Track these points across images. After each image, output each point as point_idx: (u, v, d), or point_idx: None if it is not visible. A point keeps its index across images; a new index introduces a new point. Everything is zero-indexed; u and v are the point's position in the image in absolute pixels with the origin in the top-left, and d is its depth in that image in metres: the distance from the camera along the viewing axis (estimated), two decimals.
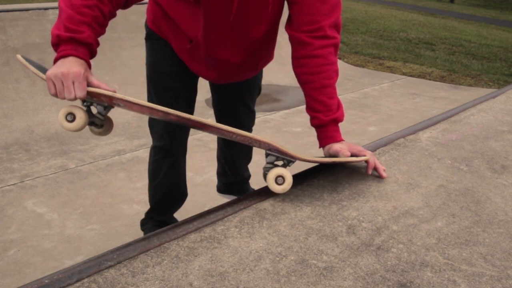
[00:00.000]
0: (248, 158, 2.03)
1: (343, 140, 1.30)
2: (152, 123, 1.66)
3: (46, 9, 3.82)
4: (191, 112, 1.64)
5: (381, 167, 1.31)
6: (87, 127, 1.20)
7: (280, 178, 1.16)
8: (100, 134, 1.27)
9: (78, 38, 1.11)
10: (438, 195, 1.24)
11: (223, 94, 1.72)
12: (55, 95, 1.10)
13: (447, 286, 0.90)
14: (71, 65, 1.09)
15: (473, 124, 1.80)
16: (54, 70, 1.09)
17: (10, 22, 3.60)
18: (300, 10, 1.27)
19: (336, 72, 1.30)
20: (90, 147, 3.14)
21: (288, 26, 1.30)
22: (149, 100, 1.58)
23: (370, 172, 1.30)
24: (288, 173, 1.17)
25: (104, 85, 1.13)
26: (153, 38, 1.52)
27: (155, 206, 1.85)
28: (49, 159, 2.94)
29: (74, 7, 1.10)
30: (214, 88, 1.72)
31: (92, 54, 1.17)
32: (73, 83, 1.08)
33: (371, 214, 1.13)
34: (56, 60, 1.12)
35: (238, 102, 1.74)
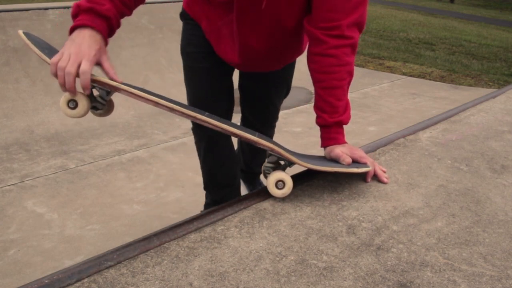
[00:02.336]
0: (263, 157, 2.04)
1: (345, 143, 1.29)
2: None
3: (46, 9, 3.81)
4: (224, 92, 1.64)
5: (382, 174, 1.29)
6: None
7: (281, 182, 1.16)
8: (101, 115, 1.26)
9: (98, 10, 1.09)
10: (438, 195, 1.24)
11: (250, 88, 1.73)
12: (55, 74, 1.07)
13: (447, 286, 0.90)
14: (86, 45, 1.06)
15: (473, 124, 1.80)
16: (67, 46, 1.06)
17: (10, 22, 3.60)
18: (319, 5, 1.23)
19: (349, 73, 1.27)
20: (90, 147, 3.14)
21: (307, 20, 1.28)
22: (185, 77, 1.63)
23: (369, 180, 1.28)
24: (288, 178, 1.17)
25: (112, 71, 1.12)
26: (185, 19, 1.56)
27: (204, 184, 1.89)
28: (49, 159, 2.94)
29: None
30: (241, 80, 1.73)
31: (111, 30, 1.14)
32: (81, 62, 1.06)
33: (371, 214, 1.13)
34: (72, 30, 1.09)
35: (264, 97, 1.73)
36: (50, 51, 1.18)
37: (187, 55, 1.60)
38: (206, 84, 1.60)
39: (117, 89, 1.13)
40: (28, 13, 3.72)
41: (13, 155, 2.98)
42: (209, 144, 1.69)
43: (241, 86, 1.76)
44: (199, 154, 1.81)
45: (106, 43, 1.13)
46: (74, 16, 1.12)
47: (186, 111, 1.13)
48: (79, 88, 1.12)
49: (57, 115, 3.46)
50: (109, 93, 1.18)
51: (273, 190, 1.16)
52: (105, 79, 1.11)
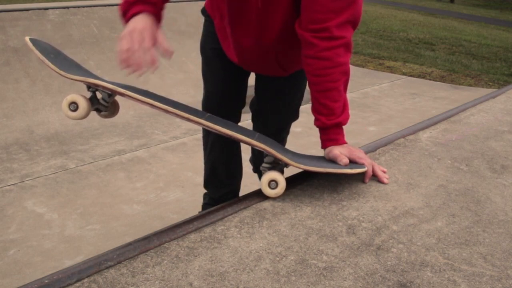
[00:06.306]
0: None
1: (345, 143, 1.28)
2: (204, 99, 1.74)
3: (46, 9, 3.82)
4: (235, 91, 1.68)
5: (382, 175, 1.28)
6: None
7: (273, 182, 1.16)
8: (106, 116, 1.28)
9: None
10: (438, 195, 1.24)
11: (259, 92, 1.75)
12: (125, 61, 1.14)
13: (447, 286, 0.90)
14: (139, 23, 1.17)
15: (473, 124, 1.80)
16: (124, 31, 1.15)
17: (10, 22, 3.61)
18: (307, 6, 1.22)
19: (344, 73, 1.26)
20: (90, 147, 3.14)
21: (297, 24, 1.27)
22: (202, 72, 1.70)
23: (367, 181, 1.27)
24: (281, 178, 1.17)
25: (165, 43, 1.19)
26: (204, 15, 1.63)
27: (205, 180, 1.90)
28: (49, 159, 2.94)
29: None
30: (256, 83, 1.75)
31: (159, 15, 1.25)
32: (142, 33, 1.16)
33: (371, 214, 1.13)
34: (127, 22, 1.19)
35: (271, 103, 1.73)
36: (56, 56, 1.20)
37: (205, 50, 1.66)
38: (220, 78, 1.65)
39: (114, 92, 1.14)
40: (28, 13, 3.72)
41: (13, 155, 2.98)
42: (217, 136, 1.71)
43: (255, 88, 1.77)
44: (205, 148, 1.82)
45: (158, 24, 1.23)
46: (124, 12, 1.21)
47: (180, 112, 1.14)
48: (80, 91, 1.14)
49: (57, 115, 3.46)
50: (111, 95, 1.19)
51: (266, 190, 1.17)
52: (101, 82, 1.13)
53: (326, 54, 1.22)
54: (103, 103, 1.20)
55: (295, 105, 1.76)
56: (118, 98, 1.22)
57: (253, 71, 1.64)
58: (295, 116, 1.81)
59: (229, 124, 1.22)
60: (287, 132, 1.94)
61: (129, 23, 1.19)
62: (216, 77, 1.65)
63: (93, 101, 1.18)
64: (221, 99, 1.65)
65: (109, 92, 1.18)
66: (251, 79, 1.72)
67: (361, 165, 1.24)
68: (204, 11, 1.63)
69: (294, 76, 1.61)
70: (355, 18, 1.24)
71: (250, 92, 1.75)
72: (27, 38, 1.18)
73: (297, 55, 1.50)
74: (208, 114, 1.24)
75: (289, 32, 1.37)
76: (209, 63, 1.66)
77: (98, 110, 1.23)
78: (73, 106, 1.14)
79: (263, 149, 1.18)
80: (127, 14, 1.21)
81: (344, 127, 1.30)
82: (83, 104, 1.14)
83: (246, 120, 1.86)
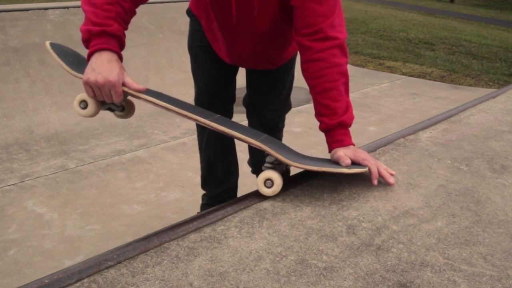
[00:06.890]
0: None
1: (351, 145, 1.26)
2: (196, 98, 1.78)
3: (46, 9, 3.82)
4: (225, 87, 1.72)
5: (388, 175, 1.24)
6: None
7: (269, 181, 1.17)
8: (122, 117, 1.34)
9: (109, 31, 1.17)
10: (438, 195, 1.24)
11: (251, 86, 1.78)
12: (93, 98, 1.19)
13: (447, 286, 0.90)
14: (107, 71, 1.15)
15: (473, 124, 1.80)
16: (92, 76, 1.15)
17: (10, 22, 3.61)
18: (298, 14, 1.27)
19: (341, 74, 1.26)
20: (90, 147, 3.14)
21: (294, 32, 1.31)
22: (192, 71, 1.74)
23: (375, 182, 1.22)
24: (276, 176, 1.17)
25: (134, 84, 1.19)
26: (189, 15, 1.67)
27: (202, 179, 1.93)
28: (49, 159, 2.94)
29: (97, 5, 1.18)
30: (246, 76, 1.79)
31: (122, 47, 1.23)
32: (110, 90, 1.16)
33: (371, 214, 1.13)
34: (90, 55, 1.18)
35: (264, 96, 1.76)
36: (75, 58, 1.26)
37: (193, 48, 1.69)
38: (210, 76, 1.68)
39: (124, 92, 1.18)
40: (28, 13, 3.72)
41: (13, 155, 2.98)
42: (211, 133, 1.73)
43: (247, 83, 1.81)
44: (200, 147, 1.85)
45: (121, 60, 1.22)
46: (86, 41, 1.18)
47: (181, 111, 1.16)
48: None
49: (57, 115, 3.46)
50: None
51: (262, 189, 1.17)
52: (128, 89, 1.19)
53: (321, 55, 1.25)
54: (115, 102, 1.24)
55: (286, 93, 1.81)
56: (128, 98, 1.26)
57: (244, 67, 1.69)
58: (287, 105, 1.87)
59: (235, 125, 1.24)
60: (283, 124, 1.97)
61: (94, 64, 1.16)
62: (206, 74, 1.69)
63: (103, 101, 1.23)
64: (212, 96, 1.69)
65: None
66: (240, 81, 1.73)
67: (363, 166, 1.23)
68: (189, 12, 1.66)
69: (283, 65, 1.68)
70: (342, 19, 1.29)
71: (240, 93, 1.77)
72: (47, 43, 1.24)
73: (287, 52, 1.59)
74: (218, 115, 1.26)
75: (279, 35, 1.44)
76: (198, 61, 1.70)
77: (111, 110, 1.27)
78: (83, 104, 1.21)
79: (258, 146, 1.18)
80: (89, 44, 1.18)
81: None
82: (92, 102, 1.20)
83: (245, 121, 1.86)
